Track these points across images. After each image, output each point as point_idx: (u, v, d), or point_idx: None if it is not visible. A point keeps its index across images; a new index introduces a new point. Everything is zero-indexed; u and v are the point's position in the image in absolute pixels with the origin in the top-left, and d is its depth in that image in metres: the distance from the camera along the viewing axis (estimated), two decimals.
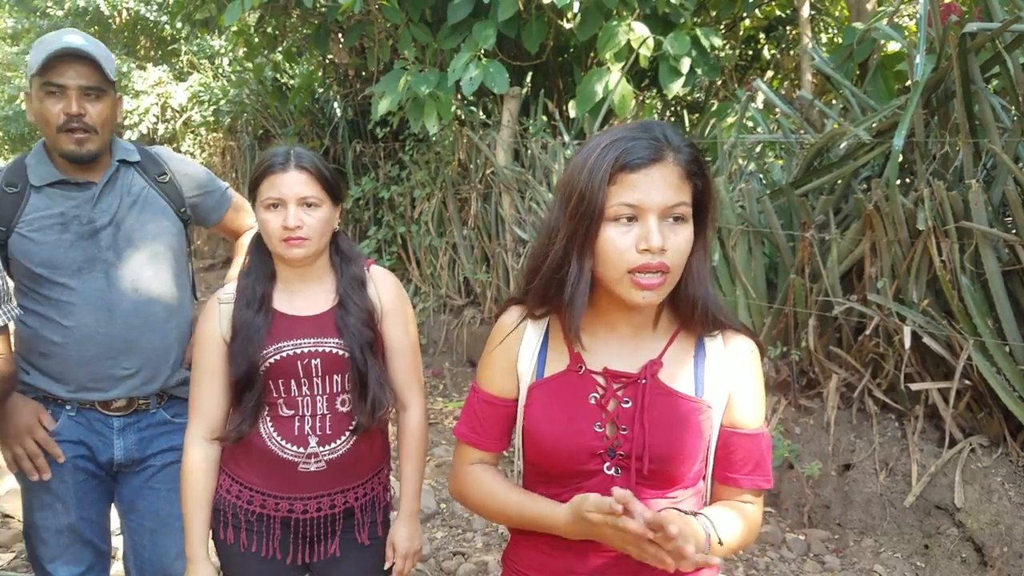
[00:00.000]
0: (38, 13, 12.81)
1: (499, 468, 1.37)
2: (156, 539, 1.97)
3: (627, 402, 1.19)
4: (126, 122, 9.32)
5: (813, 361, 3.43)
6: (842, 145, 3.44)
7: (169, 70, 10.28)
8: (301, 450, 1.61)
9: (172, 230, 1.95)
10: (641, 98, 5.46)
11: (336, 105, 7.02)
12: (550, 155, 4.72)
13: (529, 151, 4.89)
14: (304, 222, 1.58)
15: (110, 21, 11.26)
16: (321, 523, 1.66)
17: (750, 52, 6.44)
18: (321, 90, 7.26)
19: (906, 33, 4.53)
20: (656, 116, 5.58)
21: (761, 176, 3.96)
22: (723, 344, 1.24)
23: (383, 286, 1.71)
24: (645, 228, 1.10)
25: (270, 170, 1.59)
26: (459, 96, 4.88)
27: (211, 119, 9.02)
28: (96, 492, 1.94)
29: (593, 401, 1.20)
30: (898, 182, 3.07)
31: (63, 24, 12.41)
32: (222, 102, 8.73)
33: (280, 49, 6.94)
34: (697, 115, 5.69)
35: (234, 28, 6.57)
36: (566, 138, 4.75)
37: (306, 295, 1.67)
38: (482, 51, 4.46)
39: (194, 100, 9.15)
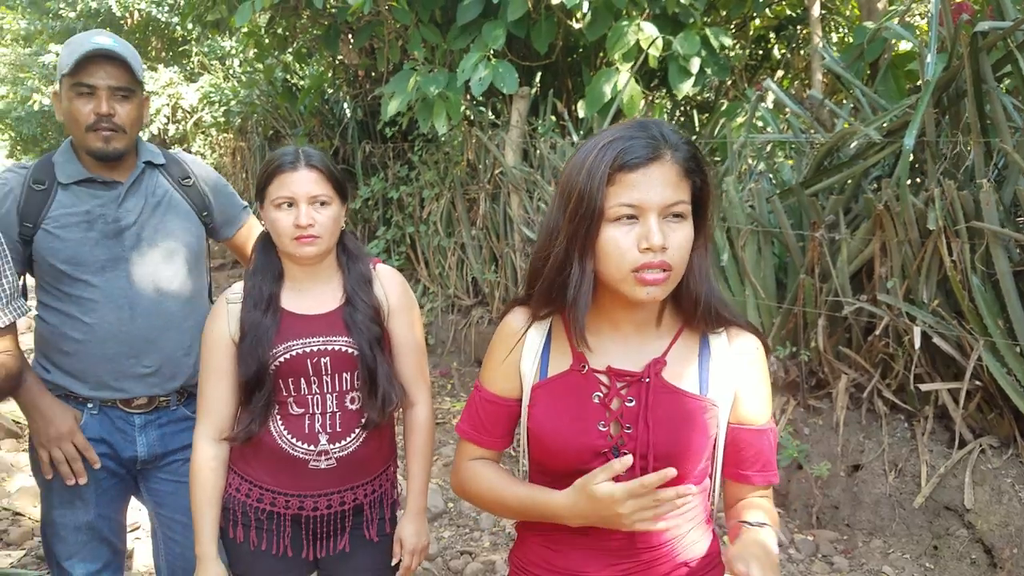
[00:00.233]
0: (50, 15, 12.90)
1: (501, 464, 1.37)
2: (188, 533, 1.96)
3: (631, 401, 1.19)
4: None
5: (822, 361, 3.42)
6: (852, 145, 3.43)
7: (180, 71, 10.34)
8: (312, 448, 1.62)
9: (193, 233, 1.98)
10: (650, 98, 5.45)
11: (346, 106, 7.04)
12: (559, 155, 4.72)
13: (538, 151, 4.89)
14: (316, 220, 1.59)
15: (122, 22, 11.34)
16: (331, 520, 1.67)
17: (760, 52, 6.42)
18: (331, 91, 7.29)
19: (917, 32, 4.51)
20: (666, 116, 5.57)
21: (771, 176, 3.95)
22: (728, 342, 1.24)
23: (389, 284, 1.72)
24: (646, 227, 1.10)
25: (280, 169, 1.60)
26: (468, 96, 4.88)
27: (221, 120, 9.07)
28: (115, 490, 1.95)
29: (597, 400, 1.20)
30: (909, 182, 3.05)
31: (75, 26, 12.49)
32: (232, 103, 8.77)
33: (290, 50, 6.96)
34: (707, 115, 5.68)
35: (245, 29, 6.60)
36: (575, 138, 4.75)
37: (314, 294, 1.68)
38: (491, 51, 4.46)
39: (205, 101, 9.20)
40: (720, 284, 3.63)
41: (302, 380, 1.62)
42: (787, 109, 4.04)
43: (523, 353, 1.27)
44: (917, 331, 2.96)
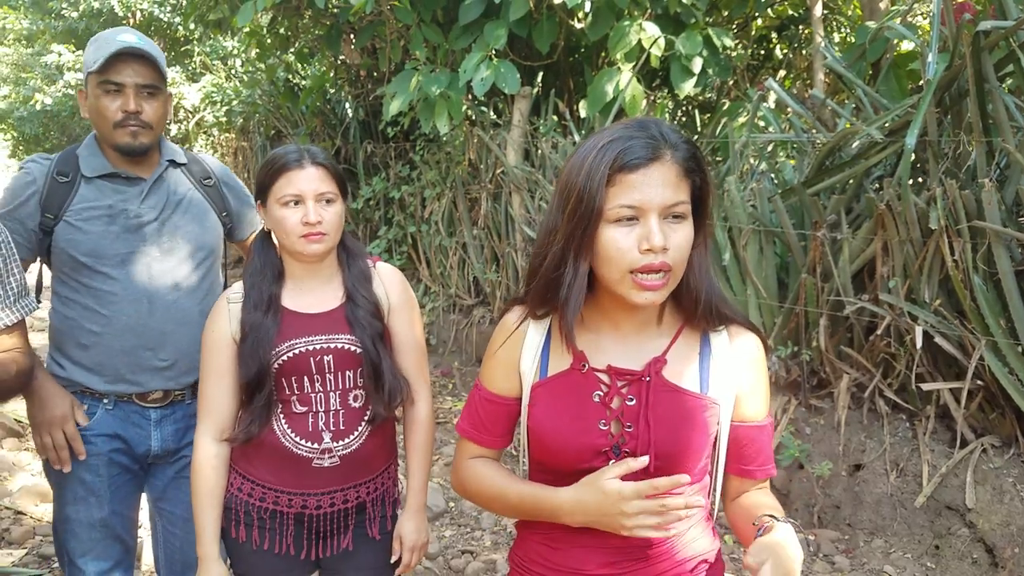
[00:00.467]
0: (53, 15, 12.93)
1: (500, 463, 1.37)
2: (188, 527, 1.99)
3: (631, 400, 1.19)
4: None
5: (824, 361, 3.42)
6: (854, 144, 3.42)
7: (182, 71, 10.35)
8: (315, 446, 1.62)
9: (212, 232, 2.00)
10: (652, 98, 5.45)
11: (347, 106, 7.04)
12: (560, 155, 4.72)
13: (539, 151, 4.90)
14: (323, 217, 1.60)
15: (124, 22, 11.35)
16: (334, 518, 1.68)
17: (762, 51, 6.42)
18: (333, 91, 7.29)
19: (919, 32, 4.51)
20: (667, 116, 5.58)
21: (773, 175, 3.95)
22: (728, 340, 1.24)
23: (389, 282, 1.73)
24: (646, 228, 1.10)
25: (287, 167, 1.61)
26: (470, 96, 4.89)
27: (223, 120, 9.08)
28: (128, 487, 1.96)
29: (597, 399, 1.20)
30: (910, 181, 3.05)
31: (78, 26, 12.52)
32: (234, 103, 8.78)
33: (292, 50, 6.97)
34: (709, 115, 5.67)
35: (246, 29, 6.60)
36: (577, 138, 4.75)
37: (316, 292, 1.68)
38: (493, 51, 4.47)
39: (207, 101, 9.21)
40: (722, 284, 3.63)
41: (305, 378, 1.62)
42: (789, 109, 4.04)
43: (523, 352, 1.27)
44: (919, 331, 2.96)
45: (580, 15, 4.60)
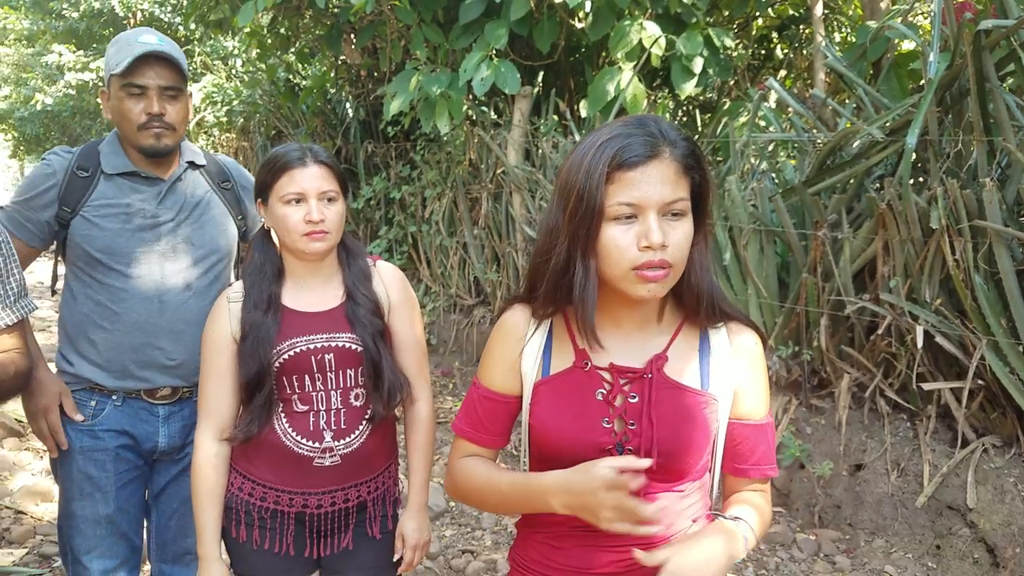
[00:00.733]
0: (53, 15, 12.94)
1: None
2: (182, 521, 2.03)
3: (634, 397, 1.19)
4: None
5: (825, 361, 3.42)
6: (855, 144, 3.42)
7: None
8: (316, 445, 1.62)
9: (227, 235, 2.01)
10: (653, 98, 5.45)
11: (348, 105, 7.05)
12: (561, 155, 4.72)
13: (540, 151, 4.90)
14: (325, 216, 1.61)
15: (125, 22, 11.37)
16: (334, 517, 1.67)
17: (763, 51, 6.42)
18: (333, 90, 7.29)
19: (920, 31, 4.51)
20: (668, 116, 5.58)
21: (773, 175, 3.95)
22: (727, 338, 1.24)
23: (389, 281, 1.73)
24: (645, 225, 1.10)
25: (289, 165, 1.61)
26: (471, 96, 4.89)
27: (224, 120, 9.07)
28: (134, 484, 1.97)
29: (600, 397, 1.20)
30: (911, 181, 3.05)
31: (78, 26, 12.53)
32: (235, 103, 8.78)
33: (293, 50, 6.98)
34: (709, 115, 5.67)
35: (247, 29, 6.61)
36: (577, 138, 4.74)
37: (316, 291, 1.68)
38: (494, 51, 4.47)
39: (207, 101, 9.20)
40: (722, 283, 3.63)
41: (306, 377, 1.62)
42: (790, 108, 4.04)
43: (524, 351, 1.27)
44: (920, 330, 2.96)
45: (581, 15, 4.60)
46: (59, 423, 1.89)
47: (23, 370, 1.65)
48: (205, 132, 10.04)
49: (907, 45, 4.29)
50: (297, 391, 1.62)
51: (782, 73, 6.36)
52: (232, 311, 1.65)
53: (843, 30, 6.47)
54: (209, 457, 1.64)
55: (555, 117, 5.03)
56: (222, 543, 1.69)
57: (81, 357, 1.91)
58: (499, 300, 5.28)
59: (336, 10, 5.66)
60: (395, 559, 1.74)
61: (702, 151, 1.17)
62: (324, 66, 7.21)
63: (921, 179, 3.32)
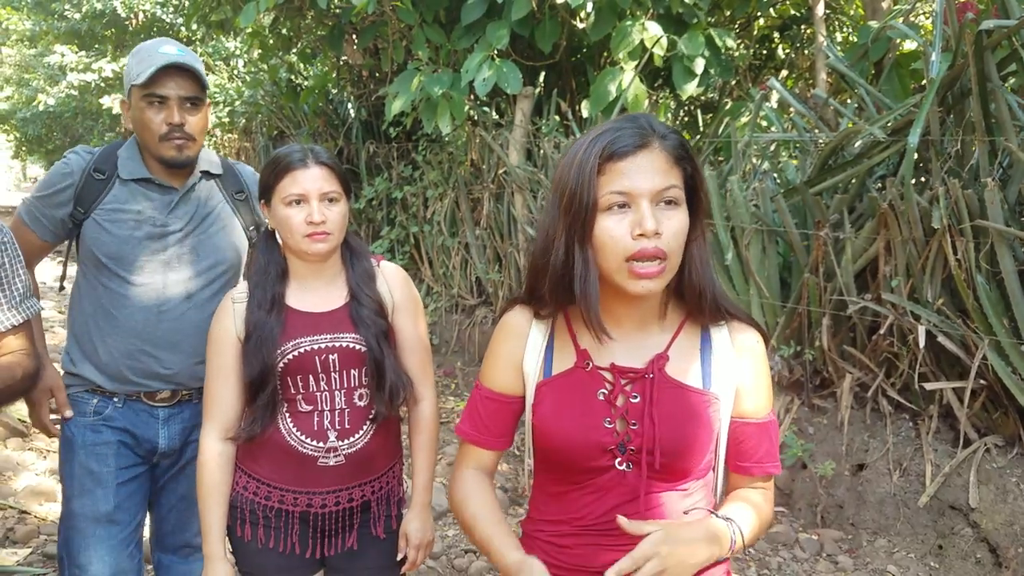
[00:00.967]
0: (56, 16, 12.95)
1: (494, 484, 1.37)
2: (181, 516, 2.07)
3: (635, 397, 1.20)
4: None
5: (827, 360, 3.42)
6: (857, 144, 3.43)
7: None
8: (320, 445, 1.63)
9: (235, 247, 2.02)
10: (655, 98, 5.45)
11: (350, 106, 7.05)
12: (563, 155, 4.71)
13: (542, 151, 4.90)
14: (327, 216, 1.61)
15: (127, 23, 11.38)
16: (339, 517, 1.68)
17: (764, 51, 6.43)
18: (335, 91, 7.30)
19: (922, 31, 4.51)
20: (670, 116, 5.58)
21: (775, 175, 3.95)
22: (728, 336, 1.24)
23: (393, 281, 1.74)
24: (638, 213, 1.10)
25: (291, 167, 1.61)
26: (472, 96, 4.89)
27: (226, 120, 9.09)
28: (135, 483, 1.97)
29: (602, 397, 1.21)
30: (913, 181, 3.05)
31: (80, 27, 12.54)
32: (237, 103, 8.79)
33: (294, 50, 6.99)
34: (711, 115, 5.68)
35: (249, 30, 6.62)
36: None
37: (320, 291, 1.69)
38: (495, 51, 4.47)
39: (209, 101, 9.24)
40: (724, 283, 3.63)
41: (310, 377, 1.62)
42: (791, 108, 4.05)
43: (526, 351, 1.27)
44: (922, 330, 2.96)
45: (582, 15, 4.60)
46: (46, 417, 1.95)
47: (30, 372, 1.66)
48: (207, 132, 10.06)
49: (909, 45, 4.29)
50: (301, 391, 1.63)
51: (784, 73, 6.36)
52: (236, 311, 1.66)
53: (844, 30, 6.48)
54: (214, 456, 1.65)
55: (557, 117, 5.03)
56: (227, 542, 1.69)
57: (84, 358, 1.94)
58: (501, 300, 5.29)
59: (338, 11, 5.66)
60: (399, 558, 1.74)
61: (691, 146, 1.18)
62: (326, 66, 7.22)
63: (923, 179, 3.33)
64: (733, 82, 5.59)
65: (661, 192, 1.11)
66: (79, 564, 1.91)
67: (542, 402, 1.24)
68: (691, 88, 4.41)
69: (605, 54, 5.27)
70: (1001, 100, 2.86)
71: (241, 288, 1.70)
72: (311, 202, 1.60)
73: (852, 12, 6.27)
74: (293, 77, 7.91)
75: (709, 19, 4.85)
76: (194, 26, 7.73)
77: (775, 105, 4.65)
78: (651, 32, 4.26)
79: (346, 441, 1.64)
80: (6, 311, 1.62)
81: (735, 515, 1.21)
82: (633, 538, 1.21)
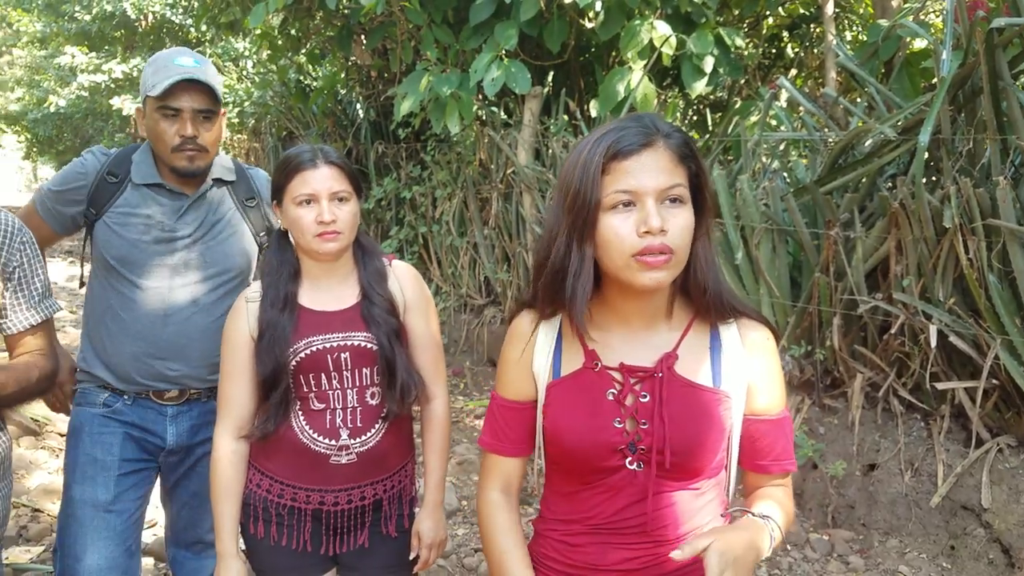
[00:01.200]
0: (66, 17, 13.02)
1: (519, 499, 1.38)
2: (194, 513, 2.09)
3: (645, 396, 1.20)
4: None
5: (838, 360, 3.41)
6: (867, 143, 3.41)
7: None
8: (333, 443, 1.64)
9: (244, 254, 2.03)
10: (663, 97, 5.44)
11: (359, 106, 7.07)
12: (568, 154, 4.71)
13: (550, 151, 4.90)
14: (337, 216, 1.62)
15: (136, 24, 11.43)
16: (351, 515, 1.69)
17: (773, 50, 6.41)
18: (344, 91, 7.32)
19: (932, 29, 4.49)
20: (679, 115, 5.57)
21: (785, 174, 3.94)
22: (738, 334, 1.24)
23: (405, 280, 1.74)
24: (644, 211, 1.11)
25: (301, 167, 1.63)
26: (481, 96, 4.90)
27: (235, 121, 9.12)
28: (136, 476, 1.98)
29: (611, 397, 1.21)
30: (924, 179, 3.04)
31: (90, 28, 12.60)
32: (246, 104, 8.82)
33: (304, 51, 7.00)
34: (720, 114, 5.67)
35: (258, 30, 6.63)
36: None
37: (332, 291, 1.70)
38: (504, 51, 4.47)
39: (224, 110, 9.28)
40: (734, 283, 3.62)
41: (323, 375, 1.63)
42: (801, 107, 4.03)
43: (535, 353, 1.28)
44: (933, 329, 2.94)
45: (591, 14, 4.60)
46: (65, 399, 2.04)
47: (47, 373, 1.67)
48: None
49: (919, 43, 4.27)
50: (314, 389, 1.64)
51: (793, 72, 6.34)
52: (250, 310, 1.67)
53: (854, 28, 6.45)
54: (227, 454, 1.66)
55: (565, 117, 5.03)
56: (241, 539, 1.70)
57: (95, 357, 1.97)
58: (510, 300, 5.29)
59: (346, 11, 5.68)
60: (411, 557, 1.75)
61: (696, 144, 1.19)
62: (335, 67, 7.24)
63: (934, 178, 3.31)
64: (742, 81, 5.58)
65: (666, 190, 1.12)
66: (74, 554, 1.89)
67: (552, 403, 1.25)
68: (700, 87, 4.40)
69: (614, 53, 5.27)
70: (1012, 98, 2.85)
71: (255, 288, 1.71)
72: (321, 202, 1.61)
73: (862, 10, 6.24)
74: (302, 78, 7.93)
75: (718, 18, 4.84)
76: (203, 27, 7.77)
77: (785, 104, 4.64)
78: (660, 31, 4.25)
79: (358, 439, 1.65)
80: (26, 310, 1.64)
81: (770, 513, 1.20)
82: (644, 537, 1.21)
